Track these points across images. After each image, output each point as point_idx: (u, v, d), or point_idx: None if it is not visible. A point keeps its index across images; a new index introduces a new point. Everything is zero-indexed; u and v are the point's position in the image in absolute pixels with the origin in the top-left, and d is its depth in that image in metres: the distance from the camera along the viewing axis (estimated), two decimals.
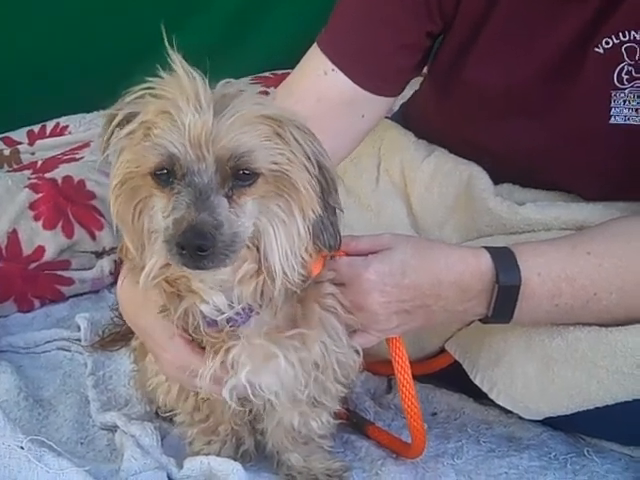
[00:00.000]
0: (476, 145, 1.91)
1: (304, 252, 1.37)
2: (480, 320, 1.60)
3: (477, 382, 1.74)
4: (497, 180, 1.92)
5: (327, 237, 1.38)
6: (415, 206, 2.05)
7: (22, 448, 1.59)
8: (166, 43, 1.31)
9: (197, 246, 1.21)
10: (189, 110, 1.24)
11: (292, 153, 1.30)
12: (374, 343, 1.60)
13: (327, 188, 1.35)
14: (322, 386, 1.57)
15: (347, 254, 1.56)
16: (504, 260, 1.53)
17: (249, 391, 1.47)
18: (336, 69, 1.75)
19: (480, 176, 1.91)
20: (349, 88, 1.75)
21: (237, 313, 1.41)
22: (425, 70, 1.92)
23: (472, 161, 1.96)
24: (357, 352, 1.57)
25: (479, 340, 1.75)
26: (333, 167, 1.37)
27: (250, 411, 1.63)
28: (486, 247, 1.57)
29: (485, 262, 1.54)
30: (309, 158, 1.32)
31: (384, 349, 1.65)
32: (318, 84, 1.77)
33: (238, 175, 1.27)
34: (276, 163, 1.29)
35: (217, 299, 1.38)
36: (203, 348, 1.49)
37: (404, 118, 2.23)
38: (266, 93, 3.18)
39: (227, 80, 1.34)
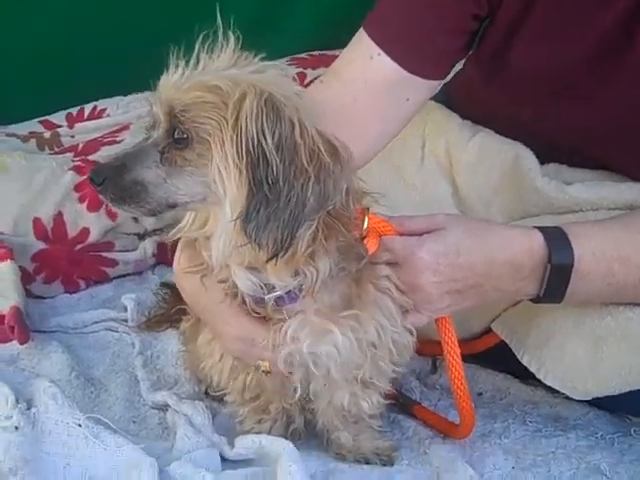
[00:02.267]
0: (523, 126, 1.91)
1: (234, 240, 1.34)
2: (531, 300, 1.61)
3: (525, 362, 1.76)
4: (544, 160, 1.93)
5: (263, 234, 1.29)
6: (460, 186, 2.06)
7: (80, 425, 1.62)
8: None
9: (90, 178, 1.36)
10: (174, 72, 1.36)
11: (223, 126, 1.29)
12: (425, 322, 1.61)
13: (264, 175, 1.27)
14: (377, 366, 1.59)
15: (401, 234, 1.57)
16: (557, 239, 1.54)
17: (309, 361, 1.49)
18: (382, 53, 1.75)
19: (526, 155, 1.92)
20: (395, 72, 1.75)
21: (287, 292, 1.43)
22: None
23: (518, 141, 1.95)
24: (411, 332, 1.59)
25: (527, 320, 1.76)
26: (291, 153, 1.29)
27: (299, 390, 1.64)
28: (538, 227, 1.57)
29: (538, 241, 1.54)
30: (246, 137, 1.28)
31: (429, 329, 1.66)
32: (364, 68, 1.77)
33: (174, 135, 1.33)
34: (205, 130, 1.30)
35: (244, 275, 1.41)
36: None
37: (447, 99, 2.22)
38: (303, 75, 3.24)
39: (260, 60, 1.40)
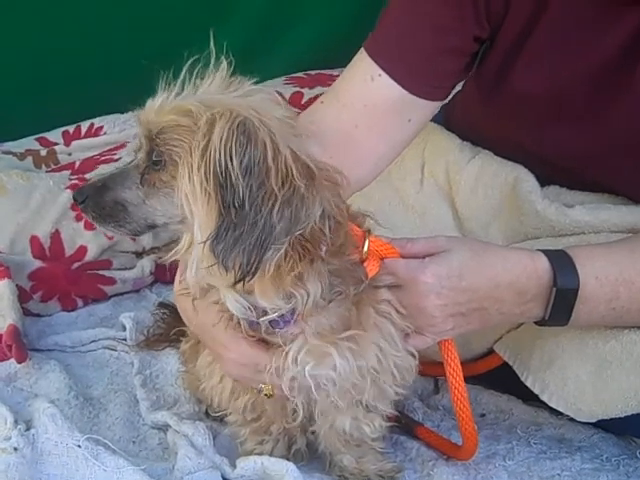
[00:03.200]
0: (523, 148, 1.91)
1: (205, 262, 1.33)
2: (536, 323, 1.60)
3: (529, 384, 1.75)
4: (543, 182, 1.93)
5: (230, 256, 1.27)
6: (460, 208, 2.05)
7: (79, 447, 1.61)
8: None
9: (73, 197, 1.43)
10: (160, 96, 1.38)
11: (193, 149, 1.30)
12: (429, 345, 1.60)
13: (230, 199, 1.26)
14: (379, 389, 1.58)
15: (402, 256, 1.56)
16: (561, 263, 1.54)
17: (311, 384, 1.48)
18: (383, 74, 1.74)
19: (527, 178, 1.92)
20: (396, 93, 1.75)
21: (281, 315, 1.43)
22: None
23: (518, 163, 1.95)
24: (413, 355, 1.58)
25: (530, 342, 1.76)
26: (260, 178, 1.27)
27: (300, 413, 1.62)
28: (542, 250, 1.57)
29: (542, 265, 1.54)
30: (214, 160, 1.27)
31: (431, 350, 1.65)
32: (365, 89, 1.77)
33: (152, 157, 1.35)
34: (176, 153, 1.32)
35: (232, 297, 1.41)
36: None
37: (446, 120, 2.22)
38: (300, 94, 3.24)
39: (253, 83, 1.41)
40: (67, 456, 1.60)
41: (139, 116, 1.39)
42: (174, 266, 2.60)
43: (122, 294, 2.58)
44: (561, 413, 1.77)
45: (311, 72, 3.55)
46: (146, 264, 2.60)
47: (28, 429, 1.63)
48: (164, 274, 2.64)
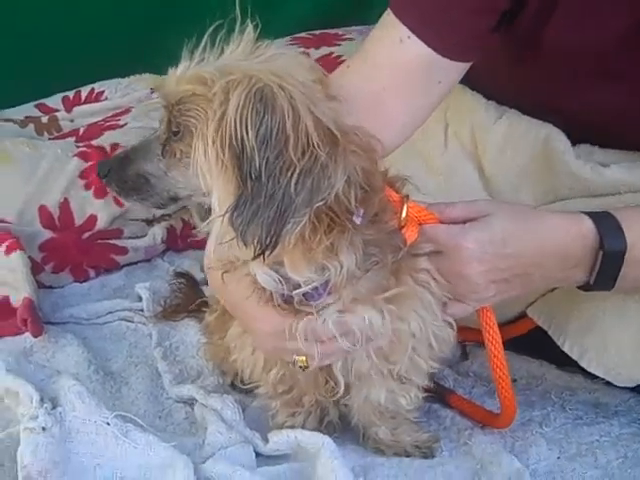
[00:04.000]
0: (552, 107, 1.85)
1: (224, 236, 1.27)
2: (579, 287, 1.56)
3: (566, 349, 1.71)
4: (574, 141, 1.86)
5: (248, 230, 1.22)
6: (487, 169, 1.99)
7: (108, 424, 1.55)
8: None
9: (97, 171, 1.40)
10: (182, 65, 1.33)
11: (209, 119, 1.24)
12: (469, 313, 1.56)
13: (247, 170, 1.21)
14: (413, 362, 1.54)
15: (441, 221, 1.51)
16: (607, 225, 1.49)
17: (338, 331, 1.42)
18: (412, 36, 1.66)
19: (558, 137, 1.86)
20: (426, 55, 1.67)
21: (314, 288, 1.38)
22: None
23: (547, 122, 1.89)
24: (451, 326, 1.54)
25: (567, 306, 1.72)
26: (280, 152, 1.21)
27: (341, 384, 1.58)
28: (586, 212, 1.52)
29: (588, 228, 1.49)
30: (229, 130, 1.21)
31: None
32: (394, 52, 1.69)
33: (171, 127, 1.32)
34: (193, 124, 1.27)
35: (262, 271, 1.36)
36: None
37: (468, 80, 2.16)
38: (306, 55, 3.16)
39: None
40: (96, 434, 1.54)
41: (160, 86, 1.35)
42: (185, 234, 2.59)
43: (134, 263, 2.53)
44: (595, 377, 1.74)
45: (315, 32, 3.47)
46: (157, 232, 2.55)
47: (54, 407, 1.57)
48: (175, 242, 2.60)
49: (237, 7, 1.34)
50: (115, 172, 1.36)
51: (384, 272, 1.41)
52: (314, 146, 1.21)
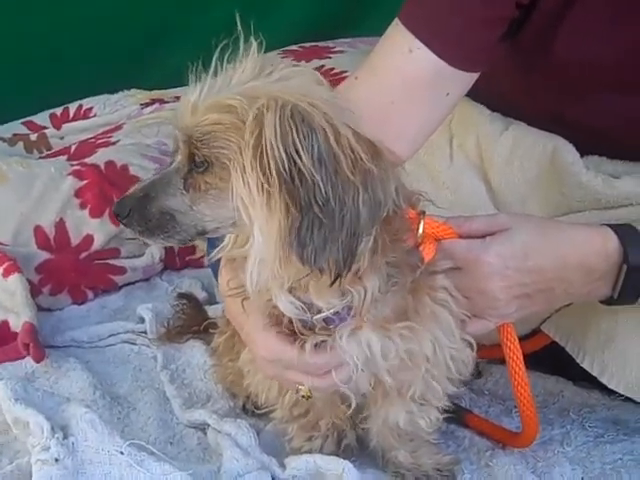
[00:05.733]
0: (559, 118, 1.83)
1: (275, 268, 1.23)
2: (602, 302, 1.54)
3: (585, 366, 1.68)
4: (581, 152, 1.84)
5: (322, 257, 1.19)
6: (494, 181, 1.97)
7: (122, 453, 1.51)
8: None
9: (114, 212, 1.31)
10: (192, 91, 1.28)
11: (243, 148, 1.20)
12: (490, 329, 1.53)
13: (309, 195, 1.16)
14: (429, 385, 1.51)
15: (460, 236, 1.48)
16: (631, 239, 1.47)
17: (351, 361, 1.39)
18: (422, 46, 1.64)
19: (567, 149, 1.83)
20: (435, 65, 1.65)
21: (335, 313, 1.34)
22: None
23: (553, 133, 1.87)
24: (471, 346, 1.50)
25: (584, 321, 1.69)
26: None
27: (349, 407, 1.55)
28: (609, 225, 1.50)
29: (611, 241, 1.47)
30: (274, 156, 1.17)
31: None
32: (402, 63, 1.66)
33: (194, 160, 1.26)
34: (224, 155, 1.23)
35: (286, 299, 1.32)
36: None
37: (470, 91, 2.13)
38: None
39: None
40: (110, 464, 1.50)
41: (176, 118, 1.29)
42: (183, 253, 2.55)
43: (132, 283, 2.49)
44: (613, 392, 1.71)
45: (306, 44, 3.46)
46: (155, 251, 2.51)
47: (65, 437, 1.53)
48: (174, 261, 2.57)
49: (239, 24, 1.30)
50: (136, 211, 1.28)
51: (402, 292, 1.38)
52: (362, 160, 1.19)
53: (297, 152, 1.15)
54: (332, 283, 1.23)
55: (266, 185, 1.18)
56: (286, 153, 1.16)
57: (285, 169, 1.16)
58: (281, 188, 1.17)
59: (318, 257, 1.18)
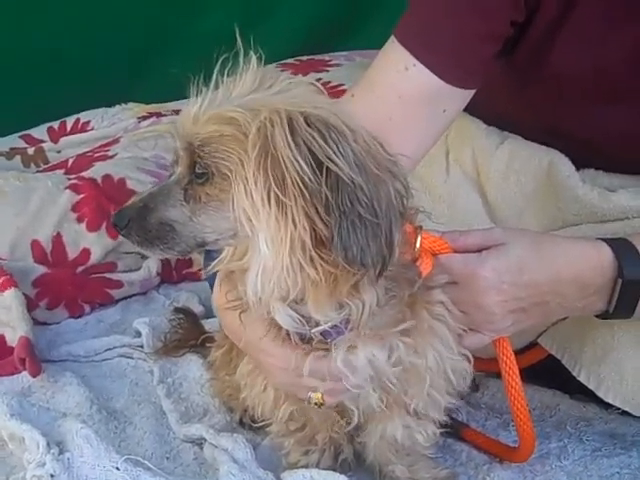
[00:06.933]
0: (555, 131, 1.84)
1: (283, 273, 1.23)
2: (597, 316, 1.54)
3: (582, 379, 1.69)
4: (576, 166, 1.85)
5: (368, 254, 1.20)
6: (490, 195, 1.97)
7: (118, 469, 1.51)
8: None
9: (113, 223, 1.30)
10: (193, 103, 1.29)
11: (245, 160, 1.21)
12: (486, 343, 1.53)
13: (344, 198, 1.17)
14: (430, 396, 1.50)
15: (455, 251, 1.48)
16: (626, 253, 1.47)
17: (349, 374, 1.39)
18: (418, 63, 1.64)
19: (562, 162, 1.84)
20: (431, 82, 1.65)
21: (333, 326, 1.34)
22: None
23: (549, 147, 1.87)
24: (468, 359, 1.50)
25: (580, 334, 1.70)
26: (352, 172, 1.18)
27: (349, 423, 1.55)
28: (603, 239, 1.50)
29: (606, 255, 1.47)
30: (293, 166, 1.17)
31: None
32: (399, 80, 1.67)
33: (195, 170, 1.26)
34: (225, 166, 1.23)
35: (284, 311, 1.32)
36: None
37: (467, 106, 2.14)
38: None
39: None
40: None
41: (177, 128, 1.30)
42: (180, 266, 2.55)
43: (129, 297, 2.48)
44: (609, 405, 1.71)
45: (302, 58, 3.46)
46: (152, 264, 2.51)
47: (61, 452, 1.52)
48: (170, 274, 2.57)
49: (238, 37, 1.31)
50: (135, 222, 1.28)
51: (399, 306, 1.38)
52: (381, 154, 1.22)
53: (329, 159, 1.16)
54: (378, 277, 1.24)
55: (281, 197, 1.18)
56: (307, 163, 1.16)
57: (309, 179, 1.16)
58: (302, 198, 1.17)
59: (365, 255, 1.18)
